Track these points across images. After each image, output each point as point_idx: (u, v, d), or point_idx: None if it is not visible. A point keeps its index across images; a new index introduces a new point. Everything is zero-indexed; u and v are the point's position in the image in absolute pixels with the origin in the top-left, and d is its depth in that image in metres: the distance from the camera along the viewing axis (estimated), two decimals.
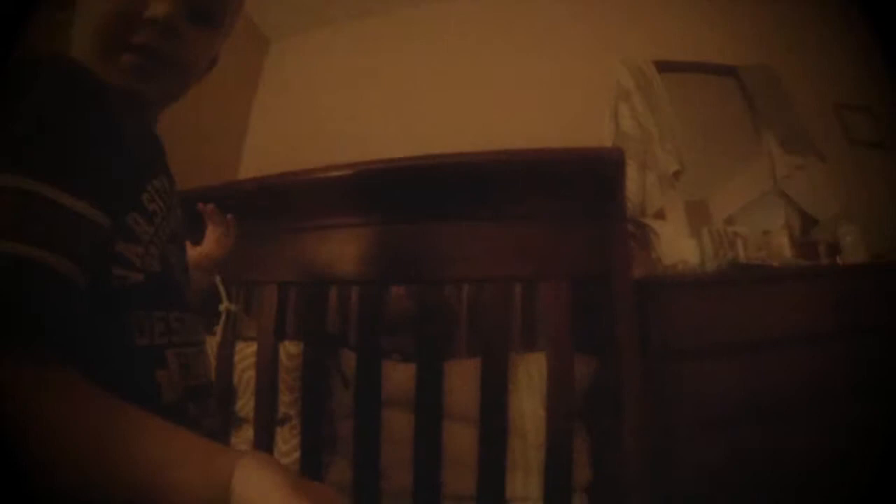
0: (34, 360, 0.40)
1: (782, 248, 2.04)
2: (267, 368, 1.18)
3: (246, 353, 1.27)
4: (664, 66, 2.23)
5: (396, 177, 1.07)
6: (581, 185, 0.99)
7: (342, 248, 1.12)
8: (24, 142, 0.46)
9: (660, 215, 2.01)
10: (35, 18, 0.66)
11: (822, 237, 2.07)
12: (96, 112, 0.52)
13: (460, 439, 1.03)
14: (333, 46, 2.45)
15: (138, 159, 0.60)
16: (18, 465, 0.38)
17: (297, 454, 1.20)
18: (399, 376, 1.12)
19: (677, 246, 1.89)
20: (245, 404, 1.27)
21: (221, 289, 1.12)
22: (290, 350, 1.24)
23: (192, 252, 0.97)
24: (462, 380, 1.06)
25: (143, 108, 0.67)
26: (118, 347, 0.54)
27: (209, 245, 1.03)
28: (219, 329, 1.19)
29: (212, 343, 1.20)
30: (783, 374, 1.40)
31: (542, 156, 1.02)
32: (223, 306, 1.15)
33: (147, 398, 0.53)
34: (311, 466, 1.13)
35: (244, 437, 1.26)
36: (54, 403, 0.40)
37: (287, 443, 1.27)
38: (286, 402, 1.25)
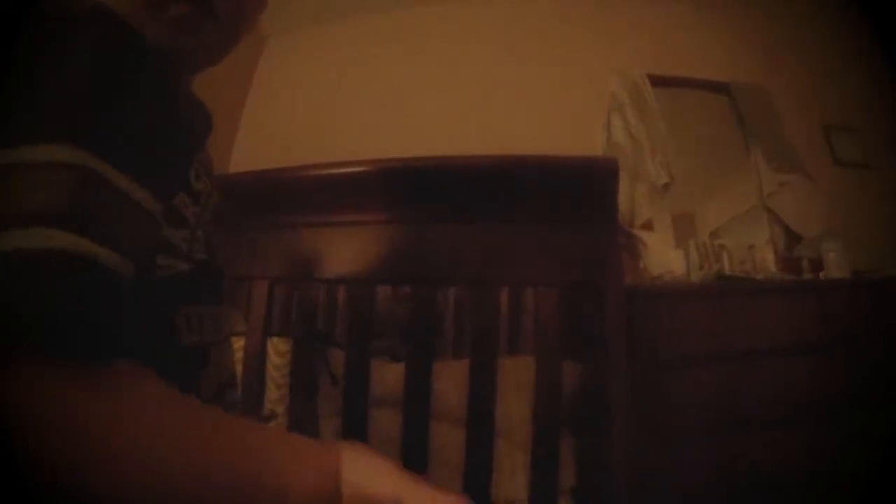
0: (93, 366, 0.35)
1: (767, 263, 2.08)
2: (254, 364, 1.18)
3: (234, 348, 1.26)
4: (658, 81, 2.26)
5: (387, 177, 1.07)
6: (574, 193, 1.00)
7: (333, 247, 1.12)
8: (78, 108, 0.38)
9: (648, 226, 2.04)
10: None
11: (806, 253, 2.12)
12: (152, 75, 0.44)
13: (447, 440, 1.03)
14: (327, 45, 2.46)
15: (190, 131, 0.53)
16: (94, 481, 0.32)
17: None
18: (387, 376, 1.12)
19: (664, 257, 1.92)
20: None
21: None
22: (278, 346, 1.24)
23: None
24: (450, 381, 1.07)
25: (189, 71, 0.59)
26: (165, 345, 0.48)
27: None
28: None
29: None
30: (766, 384, 1.42)
31: (536, 162, 1.03)
32: None
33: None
34: None
35: None
36: (138, 413, 0.35)
37: None
38: (273, 398, 1.25)
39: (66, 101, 0.38)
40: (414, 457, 1.02)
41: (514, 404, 1.08)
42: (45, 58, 0.39)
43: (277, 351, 1.23)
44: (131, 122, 0.41)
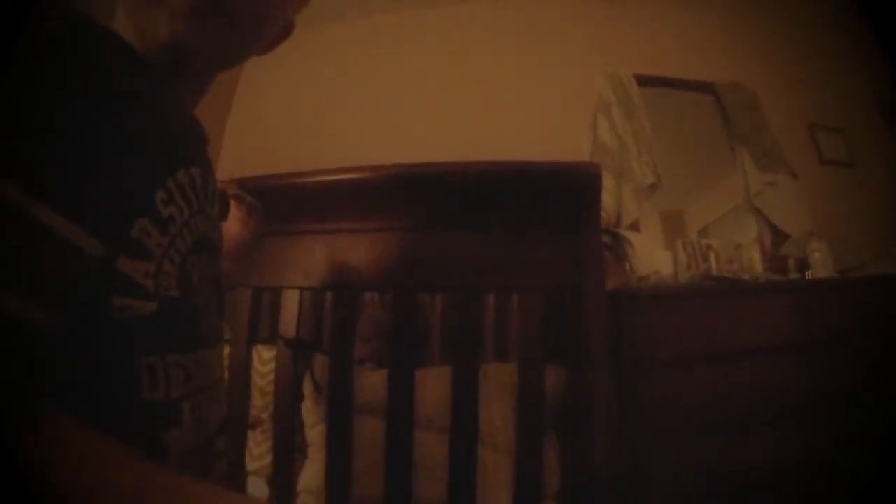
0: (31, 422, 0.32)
1: (753, 262, 2.09)
2: (239, 372, 1.17)
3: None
4: (644, 81, 2.27)
5: (369, 184, 1.07)
6: (557, 198, 1.00)
7: (316, 254, 1.12)
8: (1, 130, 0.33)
9: (635, 226, 2.04)
10: None
11: (792, 252, 2.13)
12: (97, 83, 0.39)
13: (431, 447, 1.03)
14: (315, 48, 2.44)
15: (155, 149, 0.46)
16: None
17: (268, 458, 1.19)
18: (371, 383, 1.12)
19: (651, 257, 1.93)
20: None
21: None
22: (263, 354, 1.23)
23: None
24: (434, 387, 1.07)
25: (179, 75, 0.53)
26: (117, 403, 0.42)
27: (229, 233, 0.85)
28: None
29: None
30: (753, 384, 1.43)
31: (519, 167, 1.04)
32: None
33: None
34: (282, 471, 1.13)
35: None
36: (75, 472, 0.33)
37: (259, 447, 1.26)
38: (258, 406, 1.24)
39: None
40: (398, 463, 1.02)
41: (498, 409, 1.08)
42: None
43: (262, 359, 1.23)
44: (65, 146, 0.35)
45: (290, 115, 2.12)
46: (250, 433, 1.22)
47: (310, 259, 1.13)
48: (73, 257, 0.36)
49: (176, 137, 0.51)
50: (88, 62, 0.39)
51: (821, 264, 2.01)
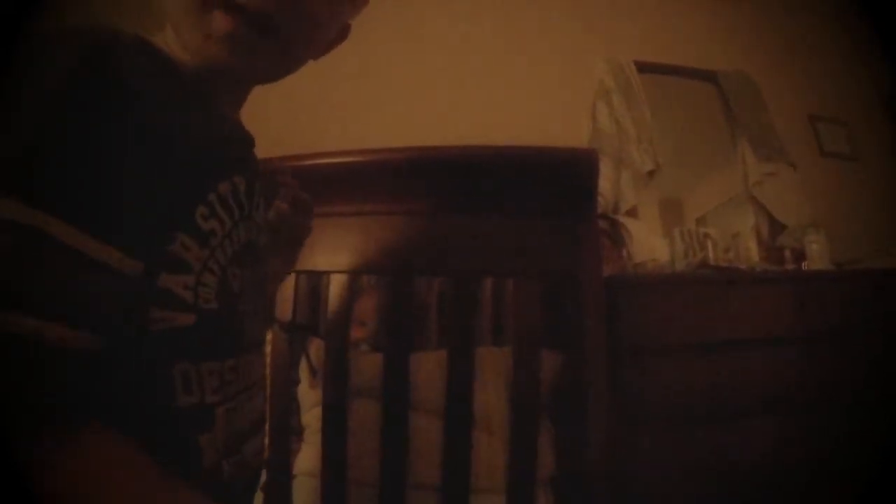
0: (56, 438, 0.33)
1: (750, 252, 2.09)
2: None
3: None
4: (645, 67, 2.26)
5: (365, 168, 1.07)
6: (553, 184, 1.00)
7: (312, 238, 1.11)
8: (26, 153, 0.33)
9: (632, 213, 2.04)
10: None
11: (790, 243, 2.13)
12: (131, 103, 0.38)
13: (426, 430, 1.04)
14: None
15: (194, 164, 0.46)
16: None
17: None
18: (367, 366, 1.12)
19: (648, 244, 1.93)
20: None
21: None
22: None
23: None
24: (429, 371, 1.07)
25: (220, 90, 0.53)
26: (155, 408, 0.43)
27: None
28: None
29: None
30: (747, 374, 1.44)
31: (515, 152, 1.03)
32: None
33: (184, 466, 0.44)
34: (278, 455, 1.13)
35: None
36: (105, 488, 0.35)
37: None
38: None
39: (16, 143, 0.33)
40: (393, 446, 1.03)
41: (493, 394, 1.09)
42: (9, 88, 0.34)
43: None
44: (102, 166, 0.35)
45: (291, 98, 2.11)
46: None
47: (308, 242, 1.13)
48: (110, 279, 0.36)
49: (217, 149, 0.51)
50: (115, 83, 0.37)
51: (818, 256, 2.01)
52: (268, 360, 1.23)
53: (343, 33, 0.61)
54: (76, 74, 0.35)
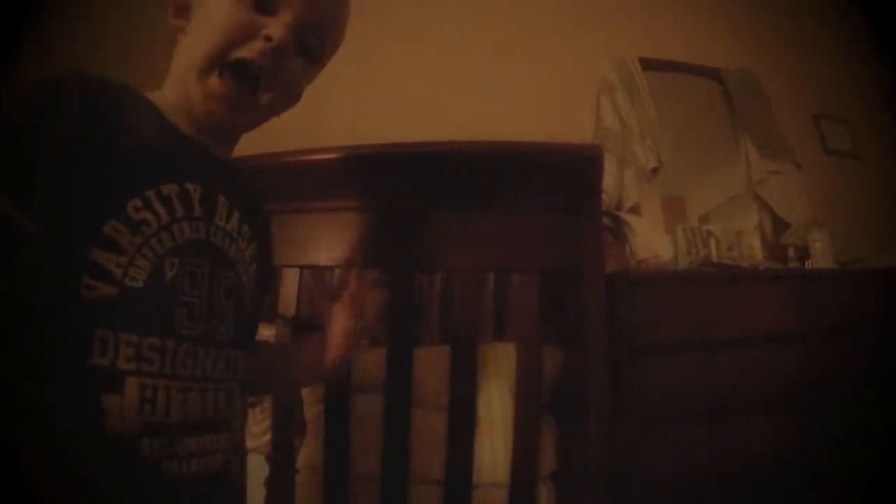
0: None
1: (753, 250, 2.09)
2: None
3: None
4: (649, 64, 2.25)
5: (371, 163, 1.07)
6: (557, 180, 1.00)
7: (315, 233, 1.12)
8: None
9: (636, 210, 2.04)
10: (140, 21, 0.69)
11: (793, 241, 2.13)
12: (84, 112, 0.52)
13: (429, 425, 1.04)
14: None
15: (133, 166, 0.57)
16: None
17: (267, 436, 1.20)
18: (370, 361, 1.12)
19: (651, 241, 1.92)
20: None
21: None
22: (262, 333, 1.23)
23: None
24: (432, 366, 1.07)
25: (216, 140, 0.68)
26: (67, 362, 0.51)
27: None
28: None
29: None
30: (749, 372, 1.43)
31: (520, 148, 1.03)
32: None
33: (86, 421, 0.51)
34: (281, 449, 1.14)
35: None
36: None
37: (258, 425, 1.27)
38: None
39: None
40: (395, 441, 1.03)
41: (496, 390, 1.09)
42: None
43: (261, 337, 1.23)
44: (41, 158, 0.49)
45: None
46: (250, 411, 1.23)
47: (309, 237, 1.13)
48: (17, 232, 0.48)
49: (167, 159, 0.61)
50: (70, 95, 0.52)
51: (821, 255, 2.00)
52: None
53: (295, 99, 0.74)
54: (41, 86, 0.52)
